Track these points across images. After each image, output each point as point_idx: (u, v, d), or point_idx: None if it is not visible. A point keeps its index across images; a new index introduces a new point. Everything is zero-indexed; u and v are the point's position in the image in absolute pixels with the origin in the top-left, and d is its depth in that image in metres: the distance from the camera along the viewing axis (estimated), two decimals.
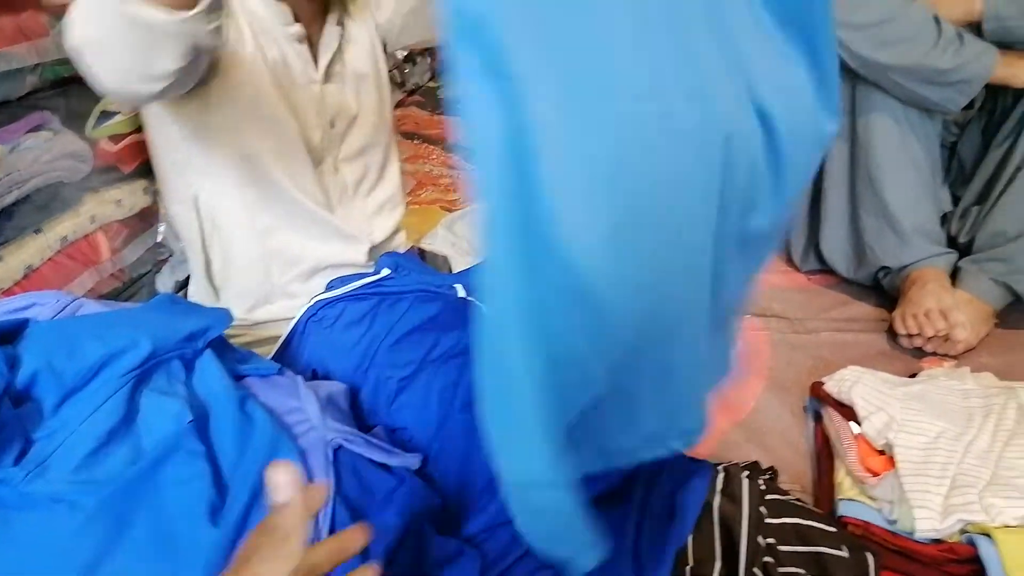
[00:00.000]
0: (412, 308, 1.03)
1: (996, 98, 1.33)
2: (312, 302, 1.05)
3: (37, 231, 0.88)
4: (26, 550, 0.60)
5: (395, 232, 1.17)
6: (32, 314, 0.76)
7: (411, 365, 0.95)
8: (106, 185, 1.00)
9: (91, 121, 0.96)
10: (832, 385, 1.04)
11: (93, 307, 0.82)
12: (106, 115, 0.98)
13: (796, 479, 1.00)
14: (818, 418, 1.07)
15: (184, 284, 1.14)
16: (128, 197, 1.01)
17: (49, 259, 0.89)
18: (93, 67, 0.73)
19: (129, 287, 1.08)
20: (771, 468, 0.96)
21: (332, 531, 0.71)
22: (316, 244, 1.04)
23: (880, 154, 1.33)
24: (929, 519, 0.82)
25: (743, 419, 1.12)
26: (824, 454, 1.00)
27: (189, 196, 0.97)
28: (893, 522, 0.85)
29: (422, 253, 1.23)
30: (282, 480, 0.49)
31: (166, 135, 0.95)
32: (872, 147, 1.34)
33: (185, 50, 0.73)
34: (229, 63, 0.90)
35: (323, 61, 1.00)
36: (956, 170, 1.41)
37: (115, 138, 1.00)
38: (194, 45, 0.74)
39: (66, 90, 0.93)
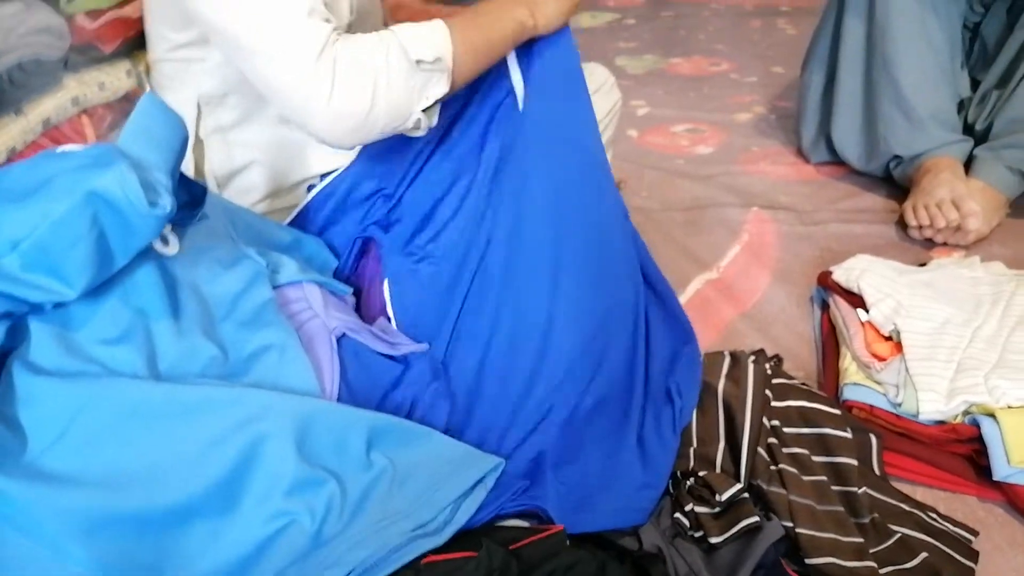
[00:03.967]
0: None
1: None
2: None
3: (17, 112, 0.84)
4: None
5: None
6: None
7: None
8: (86, 66, 0.94)
9: None
10: (840, 274, 1.02)
11: None
12: None
13: (801, 367, 0.99)
14: (824, 307, 1.06)
15: None
16: (111, 79, 0.96)
17: (33, 143, 0.85)
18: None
19: None
20: (776, 356, 0.96)
21: None
22: (323, 150, 1.01)
23: (897, 35, 1.27)
24: (934, 401, 0.82)
25: (748, 310, 1.11)
26: (829, 342, 1.00)
27: (192, 96, 0.92)
28: (898, 405, 0.85)
29: None
30: None
31: (186, 33, 0.88)
32: (889, 27, 1.27)
33: None
34: None
35: None
36: (978, 53, 1.35)
37: (93, 14, 0.93)
38: None
39: None
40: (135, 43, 0.98)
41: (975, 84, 1.34)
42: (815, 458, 0.78)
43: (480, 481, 0.68)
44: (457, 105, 0.90)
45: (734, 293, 1.15)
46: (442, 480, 0.66)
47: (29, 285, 0.59)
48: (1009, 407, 0.81)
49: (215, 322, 0.72)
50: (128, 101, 1.00)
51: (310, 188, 1.00)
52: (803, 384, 0.88)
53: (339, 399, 0.74)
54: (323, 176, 1.02)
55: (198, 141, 0.96)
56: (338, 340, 0.80)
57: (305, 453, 0.64)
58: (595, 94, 1.22)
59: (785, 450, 0.78)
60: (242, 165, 0.97)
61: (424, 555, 0.59)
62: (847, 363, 0.92)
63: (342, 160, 1.03)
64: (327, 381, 0.74)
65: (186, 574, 0.57)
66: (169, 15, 0.88)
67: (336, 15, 0.83)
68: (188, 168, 1.00)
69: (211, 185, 0.98)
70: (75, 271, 0.60)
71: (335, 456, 0.66)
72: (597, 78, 1.23)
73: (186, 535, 0.60)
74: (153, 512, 0.59)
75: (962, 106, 1.34)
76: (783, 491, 0.73)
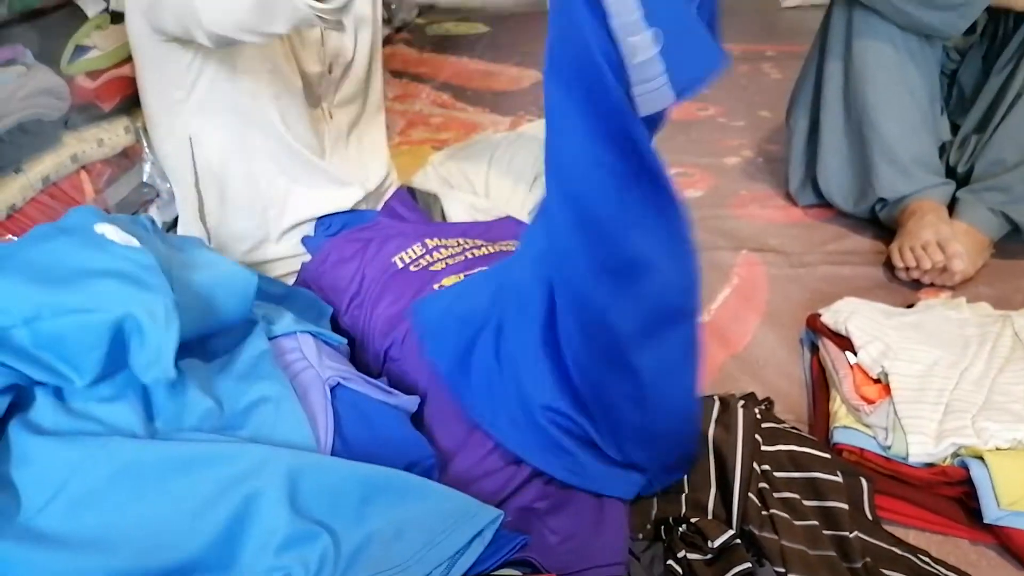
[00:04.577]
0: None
1: (998, 23, 1.30)
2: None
3: (17, 171, 0.86)
4: None
5: (387, 176, 1.15)
6: None
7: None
8: (86, 123, 0.97)
9: (66, 55, 0.92)
10: (828, 316, 1.04)
11: None
12: (81, 49, 0.95)
13: (791, 409, 1.00)
14: (814, 349, 1.07)
15: (173, 225, 1.12)
16: (110, 136, 0.99)
17: (32, 199, 0.87)
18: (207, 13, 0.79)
19: None
20: (767, 399, 0.97)
21: None
22: (308, 190, 1.02)
23: (877, 82, 1.31)
24: (923, 444, 0.83)
25: (739, 352, 1.13)
26: (819, 385, 1.01)
27: (184, 136, 0.95)
28: (887, 448, 0.85)
29: (412, 192, 1.21)
30: None
31: (165, 75, 0.92)
32: (868, 74, 1.31)
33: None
34: None
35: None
36: (956, 98, 1.39)
37: (93, 74, 0.96)
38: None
39: (37, 23, 0.89)
40: (133, 100, 1.01)
41: (955, 128, 1.38)
42: (806, 502, 0.78)
43: (478, 534, 0.69)
44: None
45: (724, 336, 1.16)
46: (438, 535, 0.66)
47: (38, 364, 0.60)
48: (997, 449, 0.81)
49: (211, 375, 0.73)
50: (126, 157, 1.02)
51: (304, 240, 1.02)
52: (793, 428, 0.88)
53: (334, 450, 0.75)
54: (320, 219, 1.04)
55: (197, 190, 0.99)
56: (332, 390, 0.81)
57: (299, 508, 0.64)
58: None
59: (776, 495, 0.78)
60: (233, 212, 1.00)
61: None
62: (837, 406, 0.93)
63: (331, 205, 1.05)
64: (321, 432, 0.75)
65: None
66: (150, 55, 0.92)
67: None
68: (188, 213, 1.02)
69: (202, 232, 1.00)
70: (88, 366, 0.62)
71: (329, 510, 0.66)
72: None
73: None
74: (147, 572, 0.59)
75: (943, 150, 1.37)
76: (775, 536, 0.74)
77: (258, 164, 0.98)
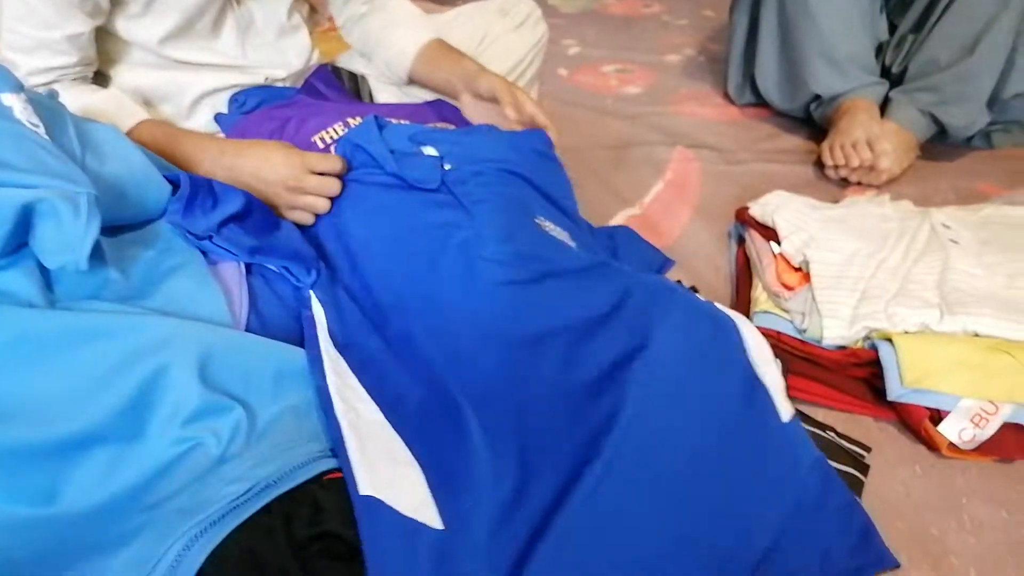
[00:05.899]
0: None
1: None
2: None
3: None
4: None
5: (309, 59, 1.08)
6: None
7: None
8: None
9: None
10: (756, 208, 1.04)
11: None
12: None
13: (715, 297, 1.00)
14: (740, 241, 1.08)
15: None
16: None
17: None
18: None
19: None
20: (692, 287, 0.98)
21: None
22: (209, 76, 0.96)
23: None
24: (837, 327, 0.85)
25: (670, 244, 1.13)
26: (743, 274, 1.03)
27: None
28: (803, 331, 0.88)
29: (337, 72, 1.14)
30: None
31: None
32: None
33: None
34: None
35: None
36: None
37: None
38: None
39: None
40: None
41: (893, 28, 1.37)
42: None
43: None
44: None
45: (655, 228, 1.16)
46: None
47: None
48: (906, 332, 0.84)
49: (119, 244, 0.70)
50: None
51: (217, 118, 0.96)
52: None
53: (249, 326, 0.73)
54: (234, 95, 0.97)
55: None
56: (248, 266, 0.78)
57: (211, 382, 0.62)
58: (519, 28, 1.20)
59: None
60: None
61: (328, 472, 0.59)
62: (758, 293, 0.94)
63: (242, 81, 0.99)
64: (237, 307, 0.72)
65: (85, 496, 0.56)
66: None
67: None
68: None
69: None
70: None
71: (243, 385, 0.64)
72: (521, 11, 1.21)
73: (86, 461, 0.58)
74: (44, 442, 0.56)
75: (880, 50, 1.37)
76: None
77: (146, 78, 0.92)
